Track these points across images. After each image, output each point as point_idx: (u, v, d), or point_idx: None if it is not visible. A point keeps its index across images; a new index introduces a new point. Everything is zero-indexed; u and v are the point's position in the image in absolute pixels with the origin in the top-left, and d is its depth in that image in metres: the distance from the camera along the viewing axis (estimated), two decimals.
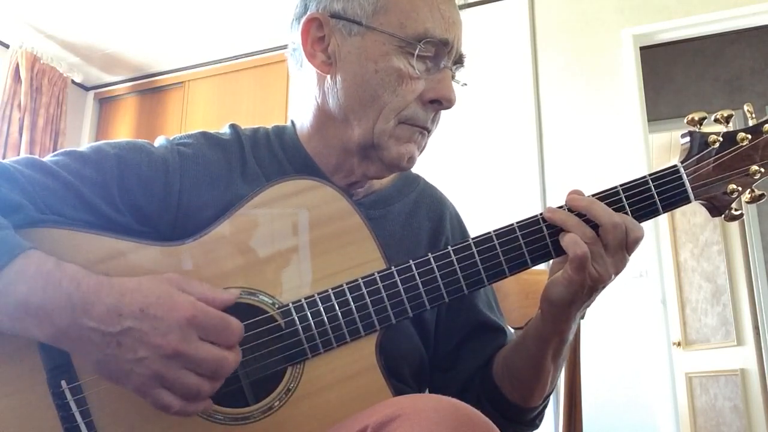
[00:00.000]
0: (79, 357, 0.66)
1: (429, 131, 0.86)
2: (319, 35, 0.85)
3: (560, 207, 0.77)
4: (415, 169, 0.96)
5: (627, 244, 0.74)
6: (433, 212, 0.96)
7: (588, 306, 0.79)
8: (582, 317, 0.84)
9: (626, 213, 0.77)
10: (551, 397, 0.92)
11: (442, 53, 0.83)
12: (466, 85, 0.89)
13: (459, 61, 0.87)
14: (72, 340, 0.64)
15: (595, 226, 0.74)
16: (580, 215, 0.75)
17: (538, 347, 0.81)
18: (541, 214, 0.77)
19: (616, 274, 0.75)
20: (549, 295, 0.77)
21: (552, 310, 0.77)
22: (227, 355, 0.66)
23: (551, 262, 0.80)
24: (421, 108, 0.83)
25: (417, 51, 0.80)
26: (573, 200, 0.76)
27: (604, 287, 0.76)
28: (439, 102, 0.83)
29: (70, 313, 0.63)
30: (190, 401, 0.65)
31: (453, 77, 0.86)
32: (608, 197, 0.77)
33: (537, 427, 0.91)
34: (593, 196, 0.78)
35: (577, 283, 0.74)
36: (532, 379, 0.84)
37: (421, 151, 0.87)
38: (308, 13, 0.86)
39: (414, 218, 0.94)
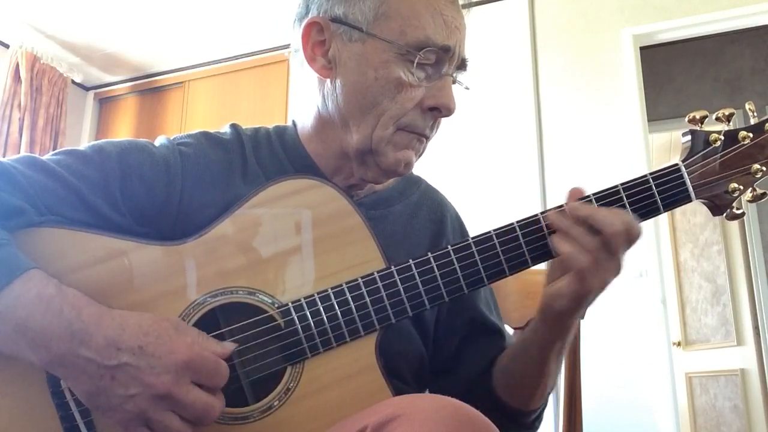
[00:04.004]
0: (71, 385, 0.66)
1: (427, 138, 0.86)
2: (320, 39, 0.84)
3: (559, 208, 0.76)
4: (414, 169, 0.96)
5: (627, 245, 0.74)
6: (434, 214, 0.95)
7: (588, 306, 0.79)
8: (582, 317, 0.84)
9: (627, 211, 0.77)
10: (551, 397, 0.91)
11: (444, 60, 0.82)
12: (468, 88, 0.88)
13: (462, 66, 0.86)
14: (66, 367, 0.64)
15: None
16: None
17: (541, 352, 0.81)
18: (541, 213, 0.77)
19: (617, 275, 0.75)
20: (552, 306, 0.75)
21: (555, 318, 0.77)
22: (215, 404, 0.66)
23: (550, 261, 0.80)
24: (420, 115, 0.82)
25: (417, 59, 0.80)
26: (574, 209, 0.74)
27: (602, 291, 0.76)
28: (439, 110, 0.82)
29: (68, 342, 0.63)
30: None
31: (454, 82, 0.85)
32: (609, 196, 0.77)
33: (536, 429, 0.90)
34: (594, 195, 0.77)
35: (581, 294, 0.73)
36: (535, 382, 0.83)
37: (419, 157, 0.87)
38: (309, 15, 0.85)
39: (415, 219, 0.93)
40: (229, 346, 0.70)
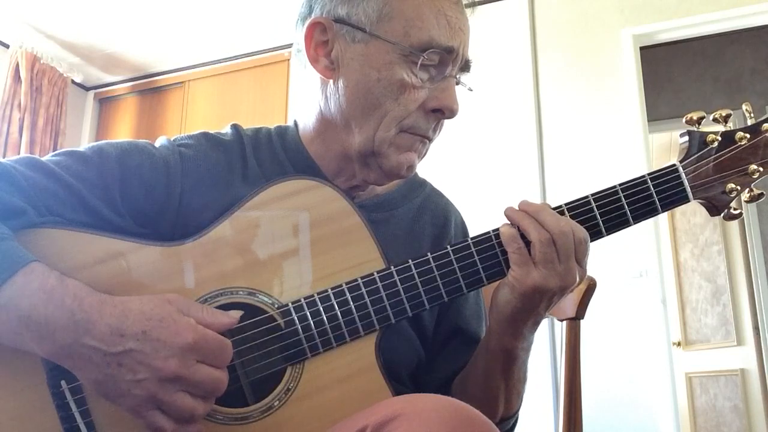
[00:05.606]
0: (77, 374, 0.66)
1: (430, 139, 0.85)
2: (323, 39, 0.84)
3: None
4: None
5: (576, 251, 0.73)
6: (437, 218, 0.95)
7: (536, 323, 0.78)
8: (532, 327, 0.79)
9: (624, 212, 0.77)
10: (551, 396, 0.91)
11: (447, 61, 0.81)
12: (472, 90, 0.88)
13: (465, 67, 0.86)
14: (72, 357, 0.64)
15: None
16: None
17: (485, 360, 0.81)
18: None
19: (563, 287, 0.74)
20: (495, 298, 0.77)
21: (498, 318, 0.77)
22: (221, 377, 0.67)
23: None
24: (422, 117, 0.82)
25: (420, 60, 0.79)
26: (526, 204, 0.76)
27: (550, 302, 0.75)
28: (442, 112, 0.82)
29: (72, 332, 0.64)
30: (183, 424, 0.65)
31: (457, 84, 0.85)
32: (607, 196, 0.77)
33: None
34: (592, 195, 0.78)
35: (521, 287, 0.73)
36: (480, 394, 0.83)
37: (421, 159, 0.87)
38: (312, 16, 0.84)
39: (417, 223, 0.93)
40: (235, 315, 0.70)
